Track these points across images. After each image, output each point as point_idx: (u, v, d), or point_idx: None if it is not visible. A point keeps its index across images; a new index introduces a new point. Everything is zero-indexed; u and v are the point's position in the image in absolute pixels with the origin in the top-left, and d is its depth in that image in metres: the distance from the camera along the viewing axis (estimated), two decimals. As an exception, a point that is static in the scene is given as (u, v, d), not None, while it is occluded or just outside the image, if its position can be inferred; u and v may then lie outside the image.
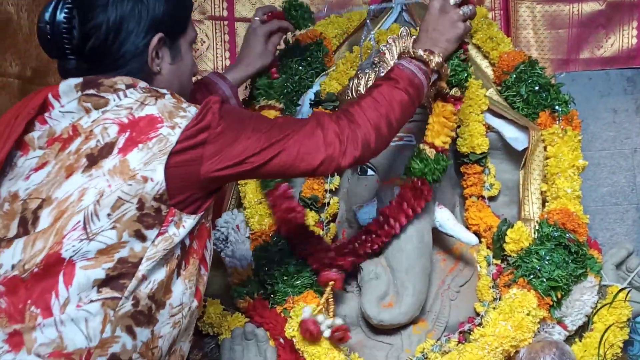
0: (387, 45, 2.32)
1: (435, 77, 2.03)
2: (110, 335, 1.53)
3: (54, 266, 1.51)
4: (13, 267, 1.53)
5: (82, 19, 1.65)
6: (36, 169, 1.62)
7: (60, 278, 1.51)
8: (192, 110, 1.63)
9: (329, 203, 2.41)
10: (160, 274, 1.59)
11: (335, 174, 2.38)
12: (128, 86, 1.64)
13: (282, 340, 2.11)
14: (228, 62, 2.92)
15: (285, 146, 1.69)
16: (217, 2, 3.02)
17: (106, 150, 1.57)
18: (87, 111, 1.63)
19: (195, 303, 1.70)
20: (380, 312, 2.11)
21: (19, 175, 1.63)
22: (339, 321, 2.07)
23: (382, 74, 2.26)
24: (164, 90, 1.67)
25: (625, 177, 2.77)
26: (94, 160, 1.57)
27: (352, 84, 2.34)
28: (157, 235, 1.57)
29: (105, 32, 1.65)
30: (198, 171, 1.60)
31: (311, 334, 2.02)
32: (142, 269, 1.55)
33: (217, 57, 2.99)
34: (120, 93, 1.63)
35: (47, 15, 1.66)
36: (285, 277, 2.18)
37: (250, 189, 2.35)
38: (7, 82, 2.54)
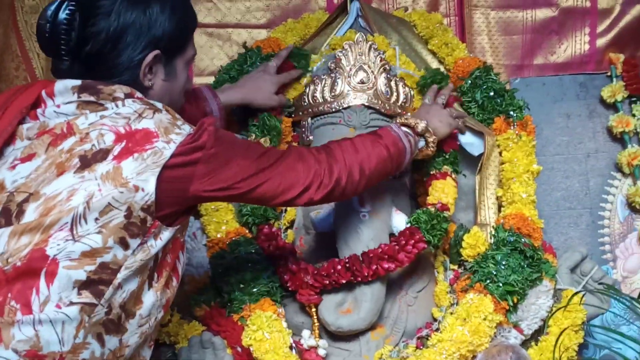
0: (343, 51, 2.33)
1: (422, 144, 2.18)
2: (82, 341, 1.55)
3: (38, 262, 1.52)
4: None
5: (83, 23, 1.67)
6: (22, 160, 1.64)
7: (42, 275, 1.52)
8: (187, 128, 1.67)
9: (286, 210, 2.40)
10: (133, 284, 1.62)
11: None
12: (127, 95, 1.68)
13: (239, 349, 2.10)
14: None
15: (270, 176, 1.77)
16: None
17: (101, 155, 1.60)
18: (84, 114, 1.65)
19: (161, 313, 1.74)
20: (338, 318, 2.11)
21: (4, 164, 1.65)
22: (323, 342, 2.14)
23: (338, 80, 2.27)
24: (160, 105, 1.70)
25: (578, 181, 2.80)
26: (87, 162, 1.59)
27: (309, 90, 2.35)
28: (138, 246, 1.61)
29: (104, 40, 1.67)
30: (187, 188, 1.66)
31: None
32: (120, 277, 1.58)
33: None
34: (119, 102, 1.66)
35: (49, 13, 1.67)
36: (242, 285, 2.16)
37: (207, 196, 2.34)
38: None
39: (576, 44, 2.97)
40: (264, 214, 2.32)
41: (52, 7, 1.67)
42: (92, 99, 1.66)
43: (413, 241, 2.15)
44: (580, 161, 2.82)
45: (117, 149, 1.60)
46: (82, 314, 1.54)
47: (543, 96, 2.84)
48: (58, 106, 1.67)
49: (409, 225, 2.20)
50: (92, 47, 1.67)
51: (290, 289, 2.19)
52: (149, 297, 1.67)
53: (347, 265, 2.11)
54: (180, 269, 1.78)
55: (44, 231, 1.54)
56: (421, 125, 2.14)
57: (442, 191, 2.28)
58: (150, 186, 1.59)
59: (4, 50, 2.73)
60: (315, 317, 2.16)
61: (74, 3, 1.67)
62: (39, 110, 1.69)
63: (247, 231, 2.31)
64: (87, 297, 1.54)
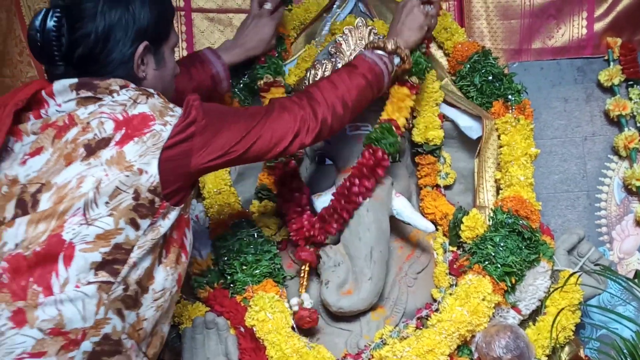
0: (344, 36, 2.35)
1: (398, 61, 2.17)
2: (103, 317, 1.64)
3: (55, 247, 1.61)
4: (16, 245, 1.62)
5: (70, 28, 1.72)
6: (31, 154, 1.71)
7: (61, 259, 1.60)
8: (178, 110, 1.76)
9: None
10: (147, 262, 1.71)
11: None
12: (122, 87, 1.74)
13: (242, 329, 2.13)
14: (185, 53, 2.91)
15: (261, 132, 1.86)
16: (174, -8, 3.01)
17: (104, 143, 1.67)
18: (85, 107, 1.72)
19: (175, 288, 1.82)
20: (339, 299, 2.14)
21: (15, 159, 1.72)
22: (306, 295, 2.17)
23: (338, 65, 2.29)
24: (152, 90, 1.78)
25: (576, 164, 2.83)
26: (91, 150, 1.67)
27: (310, 74, 2.36)
28: (149, 226, 1.69)
29: (94, 40, 1.73)
30: (188, 164, 1.75)
31: (309, 320, 2.14)
32: (134, 256, 1.67)
33: (174, 47, 2.97)
34: (115, 94, 1.73)
35: (38, 23, 1.73)
36: (244, 267, 2.19)
37: (210, 179, 2.36)
38: (-39, 73, 2.54)
39: (574, 29, 2.99)
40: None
41: (40, 17, 1.73)
42: (90, 94, 1.73)
43: (372, 150, 2.18)
44: (577, 144, 2.85)
45: (117, 136, 1.68)
46: (100, 292, 1.63)
47: (541, 80, 2.87)
48: (59, 105, 1.74)
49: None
50: (83, 49, 1.73)
51: (295, 241, 2.22)
52: (160, 273, 1.75)
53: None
54: (188, 246, 1.85)
55: (59, 217, 1.62)
56: (390, 45, 2.14)
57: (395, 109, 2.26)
58: (152, 168, 1.68)
59: (7, 35, 2.74)
60: (304, 274, 2.19)
61: (58, 10, 1.72)
62: (42, 111, 1.75)
63: (249, 214, 2.33)
64: (103, 276, 1.63)
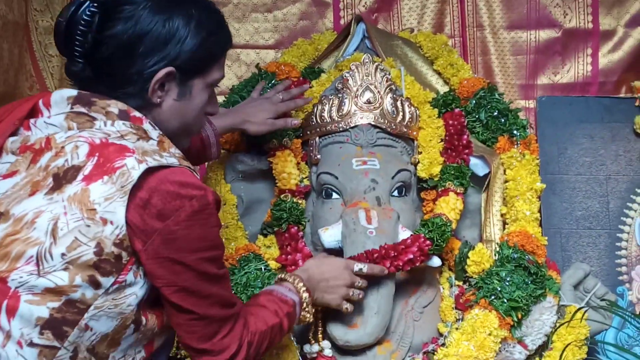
0: (350, 72, 2.37)
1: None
2: None
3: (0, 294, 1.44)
4: None
5: (101, 25, 1.55)
6: (5, 176, 1.55)
7: (4, 309, 1.42)
8: (170, 160, 1.54)
9: (298, 223, 2.43)
10: (106, 327, 1.49)
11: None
12: (121, 112, 1.57)
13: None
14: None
15: (193, 315, 1.57)
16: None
17: (71, 174, 1.48)
18: (68, 129, 1.56)
19: (142, 354, 1.61)
20: (346, 333, 2.13)
21: None
22: (326, 343, 2.16)
23: (345, 100, 2.31)
24: (155, 136, 1.59)
25: (599, 202, 2.83)
26: (59, 182, 1.48)
27: (317, 109, 2.38)
28: (113, 284, 1.47)
29: (116, 46, 1.55)
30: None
31: None
32: (87, 317, 1.45)
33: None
34: (109, 122, 1.56)
35: (70, 12, 1.56)
36: (251, 301, 2.20)
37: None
38: (-28, 106, 2.55)
39: (579, 65, 3.01)
40: (300, 217, 2.35)
41: (73, 6, 1.55)
42: (83, 110, 1.55)
43: (418, 243, 2.19)
44: (601, 183, 2.85)
45: (88, 167, 1.48)
46: (40, 358, 1.43)
47: (568, 116, 2.89)
48: (49, 117, 1.57)
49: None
50: (104, 51, 1.55)
51: None
52: (128, 340, 1.55)
53: None
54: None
55: (11, 262, 1.45)
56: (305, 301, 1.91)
57: (445, 208, 2.31)
58: (119, 218, 1.45)
59: (19, 70, 2.77)
60: (319, 321, 2.18)
61: (96, 4, 1.55)
62: (32, 120, 1.59)
63: (256, 247, 2.34)
64: (48, 339, 1.43)
